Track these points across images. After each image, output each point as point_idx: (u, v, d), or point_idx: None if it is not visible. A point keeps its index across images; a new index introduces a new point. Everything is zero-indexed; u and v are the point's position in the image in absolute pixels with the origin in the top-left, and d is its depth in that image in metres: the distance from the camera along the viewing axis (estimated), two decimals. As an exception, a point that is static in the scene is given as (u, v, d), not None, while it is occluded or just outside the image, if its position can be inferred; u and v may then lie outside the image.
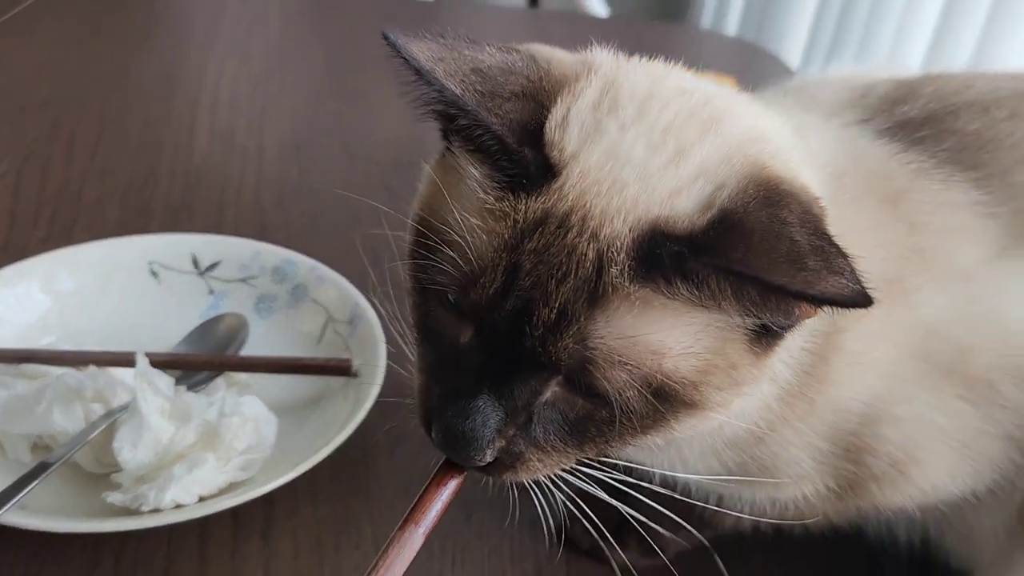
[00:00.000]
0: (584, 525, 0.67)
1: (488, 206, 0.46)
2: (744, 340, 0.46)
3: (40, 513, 0.60)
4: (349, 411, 0.70)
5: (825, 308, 0.43)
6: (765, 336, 0.46)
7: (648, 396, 0.45)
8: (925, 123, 0.56)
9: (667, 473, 0.58)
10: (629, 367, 0.44)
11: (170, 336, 0.79)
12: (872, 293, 0.40)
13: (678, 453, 0.56)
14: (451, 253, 0.46)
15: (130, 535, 0.64)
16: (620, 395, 0.45)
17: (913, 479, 0.54)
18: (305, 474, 0.69)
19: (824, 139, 0.53)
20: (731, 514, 0.62)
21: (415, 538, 0.48)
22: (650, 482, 0.63)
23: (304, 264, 0.84)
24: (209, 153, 1.14)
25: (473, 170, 0.47)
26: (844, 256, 0.41)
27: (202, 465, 0.61)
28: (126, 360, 0.70)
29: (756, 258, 0.41)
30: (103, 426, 0.65)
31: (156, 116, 1.21)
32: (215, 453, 0.63)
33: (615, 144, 0.46)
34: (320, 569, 0.65)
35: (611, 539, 0.67)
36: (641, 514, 0.66)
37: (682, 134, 0.46)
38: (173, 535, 0.65)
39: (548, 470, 0.50)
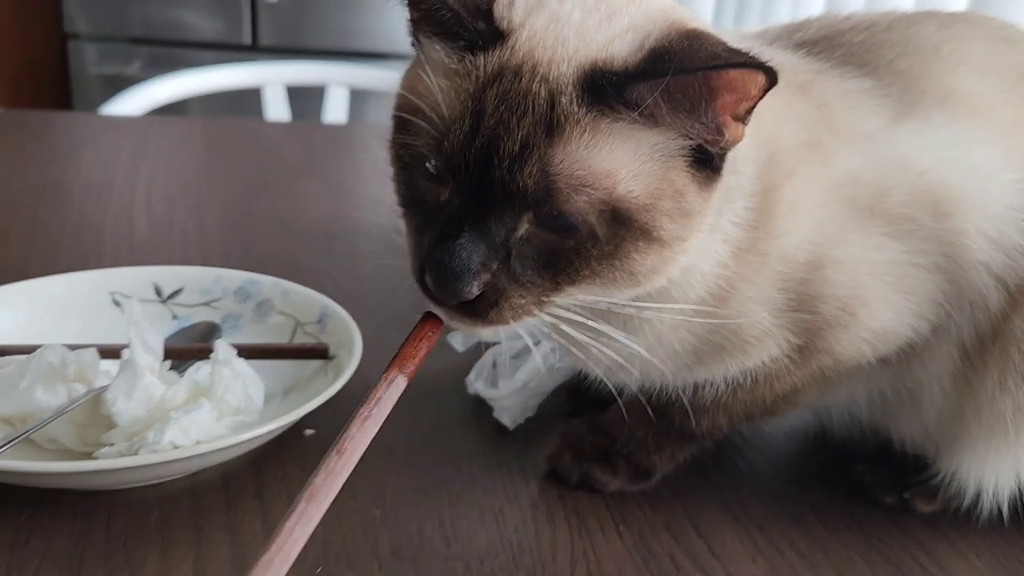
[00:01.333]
0: (572, 456, 0.70)
1: (453, 67, 0.53)
2: (686, 167, 0.53)
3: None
4: (330, 384, 0.72)
5: (744, 106, 0.50)
6: (705, 167, 0.53)
7: (607, 220, 0.51)
8: (818, 42, 0.66)
9: (648, 362, 0.62)
10: (587, 190, 0.51)
11: (137, 356, 0.80)
12: (776, 73, 0.48)
13: (652, 332, 0.60)
14: (428, 113, 0.53)
15: (119, 503, 0.63)
16: (582, 218, 0.51)
17: (861, 319, 0.60)
18: (290, 443, 0.71)
19: (740, 44, 0.63)
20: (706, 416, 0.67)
21: (399, 381, 0.53)
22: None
23: (267, 281, 0.87)
24: (150, 236, 1.17)
25: (438, 46, 0.55)
26: (753, 55, 0.49)
27: (199, 409, 0.62)
28: (106, 351, 0.71)
29: (679, 62, 0.49)
30: (84, 399, 0.65)
31: (92, 212, 1.24)
32: (210, 402, 0.64)
33: (556, 11, 0.54)
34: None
35: (599, 468, 0.70)
36: (625, 435, 0.70)
37: (612, 2, 0.55)
38: (164, 502, 0.64)
39: (528, 305, 0.54)
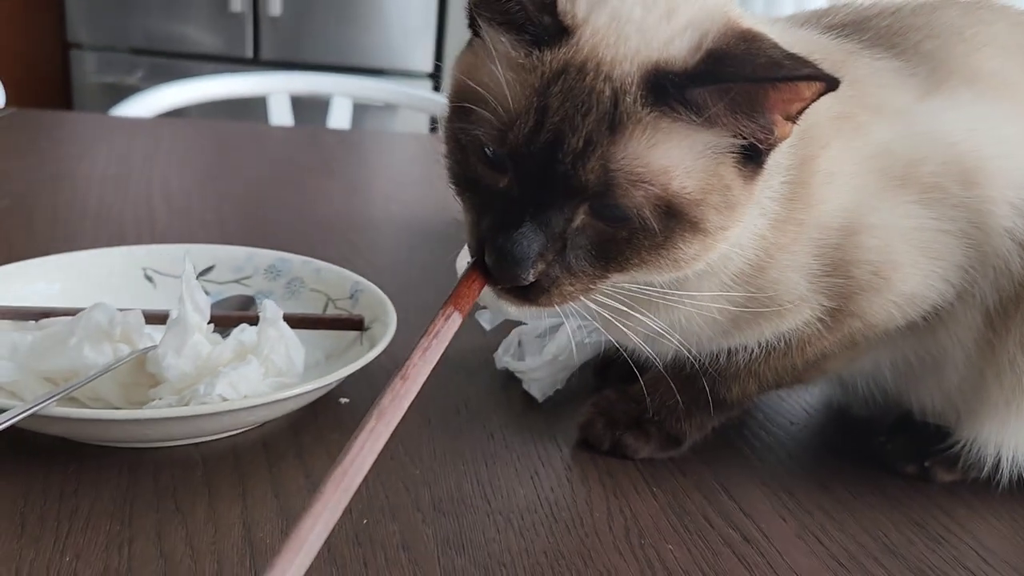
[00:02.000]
0: (604, 424, 0.72)
1: (520, 61, 0.55)
2: (734, 163, 0.55)
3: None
4: (366, 352, 0.73)
5: (797, 107, 0.53)
6: (751, 162, 0.56)
7: (660, 214, 0.54)
8: (846, 26, 0.69)
9: (687, 330, 0.64)
10: (644, 186, 0.53)
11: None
12: (838, 81, 0.51)
13: (692, 304, 0.63)
14: (492, 104, 0.55)
15: (164, 460, 0.64)
16: (637, 212, 0.53)
17: (893, 283, 0.63)
18: (326, 410, 0.72)
19: (774, 29, 0.66)
20: (737, 382, 0.69)
21: (455, 316, 0.55)
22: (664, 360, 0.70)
23: (297, 260, 0.88)
24: (171, 224, 1.19)
25: (503, 38, 0.56)
26: (811, 62, 0.52)
27: (247, 365, 0.63)
28: (148, 317, 0.72)
29: (741, 69, 0.52)
30: (130, 357, 0.66)
31: (112, 202, 1.25)
32: (257, 359, 0.65)
33: (617, 9, 0.56)
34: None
35: (631, 435, 0.71)
36: (656, 403, 0.71)
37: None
38: (208, 461, 0.65)
39: (577, 293, 0.57)
